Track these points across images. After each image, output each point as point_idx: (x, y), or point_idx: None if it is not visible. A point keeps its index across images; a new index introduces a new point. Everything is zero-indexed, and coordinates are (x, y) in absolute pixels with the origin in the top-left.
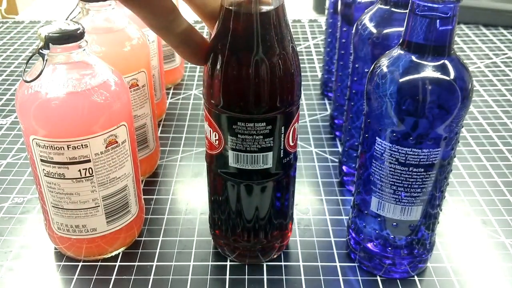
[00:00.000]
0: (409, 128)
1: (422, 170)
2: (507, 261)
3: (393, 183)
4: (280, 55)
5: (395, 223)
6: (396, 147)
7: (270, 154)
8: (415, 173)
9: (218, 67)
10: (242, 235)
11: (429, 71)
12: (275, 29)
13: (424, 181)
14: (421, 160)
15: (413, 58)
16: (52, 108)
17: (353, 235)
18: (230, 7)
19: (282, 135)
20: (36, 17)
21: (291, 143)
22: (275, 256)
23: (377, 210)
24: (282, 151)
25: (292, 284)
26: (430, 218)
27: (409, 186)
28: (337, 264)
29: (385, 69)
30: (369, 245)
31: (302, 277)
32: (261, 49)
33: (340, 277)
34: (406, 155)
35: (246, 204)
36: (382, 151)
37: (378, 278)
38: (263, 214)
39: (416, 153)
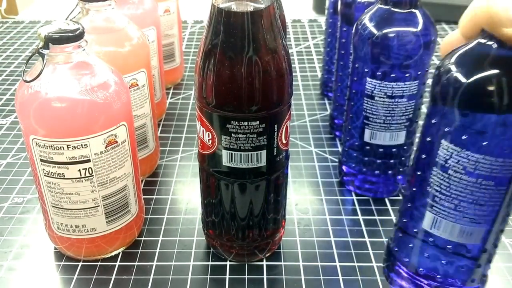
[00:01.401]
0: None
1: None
2: (507, 261)
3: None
4: (272, 54)
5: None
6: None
7: (264, 152)
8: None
9: (211, 66)
10: (235, 234)
11: None
12: (266, 28)
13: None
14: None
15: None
16: (52, 108)
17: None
18: (221, 6)
19: (275, 133)
20: (36, 17)
21: (283, 141)
22: (266, 255)
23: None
24: (275, 149)
25: (292, 284)
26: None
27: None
28: (337, 264)
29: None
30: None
31: (302, 277)
32: (253, 48)
33: (340, 277)
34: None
35: (240, 203)
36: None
37: (378, 277)
38: (256, 212)
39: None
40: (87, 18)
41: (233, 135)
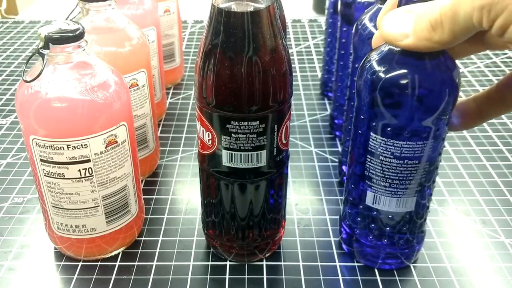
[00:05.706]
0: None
1: (417, 162)
2: (507, 261)
3: (388, 176)
4: (272, 54)
5: (390, 216)
6: (391, 141)
7: (264, 152)
8: (410, 166)
9: (211, 66)
10: (235, 234)
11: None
12: (266, 28)
13: (418, 172)
14: (416, 152)
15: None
16: (52, 108)
17: (347, 229)
18: (221, 7)
19: (275, 133)
20: (36, 17)
21: (283, 141)
22: (266, 255)
23: (373, 204)
24: (275, 149)
25: (292, 284)
26: (423, 207)
27: (405, 178)
28: (337, 264)
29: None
30: (363, 238)
31: (302, 277)
32: (253, 48)
33: (340, 277)
34: (402, 149)
35: (240, 203)
36: (377, 146)
37: (378, 277)
38: (256, 212)
39: (411, 146)
40: (87, 18)
41: (233, 135)
